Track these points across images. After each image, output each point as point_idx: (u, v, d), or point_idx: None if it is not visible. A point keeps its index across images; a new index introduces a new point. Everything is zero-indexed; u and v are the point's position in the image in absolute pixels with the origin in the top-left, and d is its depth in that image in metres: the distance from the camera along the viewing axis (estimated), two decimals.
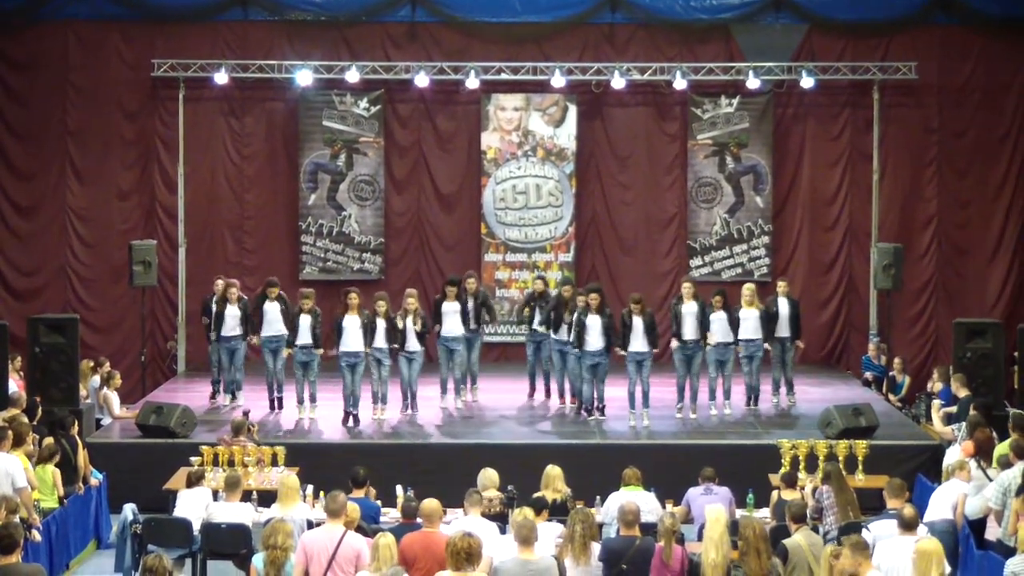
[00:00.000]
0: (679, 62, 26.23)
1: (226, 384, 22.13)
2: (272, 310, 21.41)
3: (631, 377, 20.79)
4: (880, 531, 13.23)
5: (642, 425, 20.68)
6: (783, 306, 21.89)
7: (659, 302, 26.90)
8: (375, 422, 20.94)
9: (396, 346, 20.98)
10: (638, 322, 20.72)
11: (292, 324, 21.04)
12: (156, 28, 26.42)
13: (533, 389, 22.96)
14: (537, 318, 22.08)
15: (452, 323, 21.82)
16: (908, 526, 12.89)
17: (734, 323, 21.25)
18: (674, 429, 20.76)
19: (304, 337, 20.97)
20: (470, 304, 21.92)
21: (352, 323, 20.65)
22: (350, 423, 20.72)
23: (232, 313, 21.74)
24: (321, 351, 21.12)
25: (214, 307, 21.98)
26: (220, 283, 22.17)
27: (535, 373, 22.89)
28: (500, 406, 22.42)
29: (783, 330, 21.84)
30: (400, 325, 20.89)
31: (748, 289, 21.75)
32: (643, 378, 20.71)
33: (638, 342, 20.74)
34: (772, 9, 26.55)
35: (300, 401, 21.21)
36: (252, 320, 21.75)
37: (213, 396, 22.42)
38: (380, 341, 20.72)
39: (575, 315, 20.88)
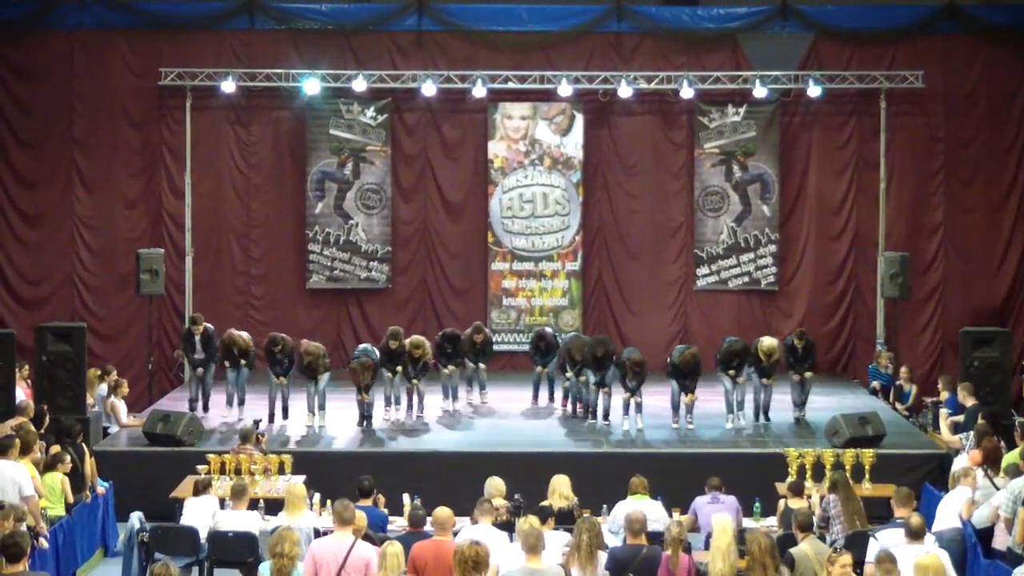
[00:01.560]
0: (686, 71, 26.23)
1: (227, 396, 21.89)
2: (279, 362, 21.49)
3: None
4: (887, 540, 13.20)
5: (635, 428, 20.89)
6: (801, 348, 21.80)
7: (665, 310, 26.96)
8: (387, 423, 21.35)
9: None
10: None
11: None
12: (162, 36, 26.45)
13: (536, 396, 23.18)
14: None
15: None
16: (915, 535, 12.90)
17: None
18: (680, 438, 20.76)
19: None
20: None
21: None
22: (364, 424, 21.04)
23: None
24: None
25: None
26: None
27: (539, 381, 23.10)
28: (507, 414, 22.47)
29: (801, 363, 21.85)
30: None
31: (769, 347, 21.25)
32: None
33: None
34: (779, 18, 26.54)
35: (310, 410, 21.23)
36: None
37: (191, 410, 22.18)
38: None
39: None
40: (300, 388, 21.40)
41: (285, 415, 21.46)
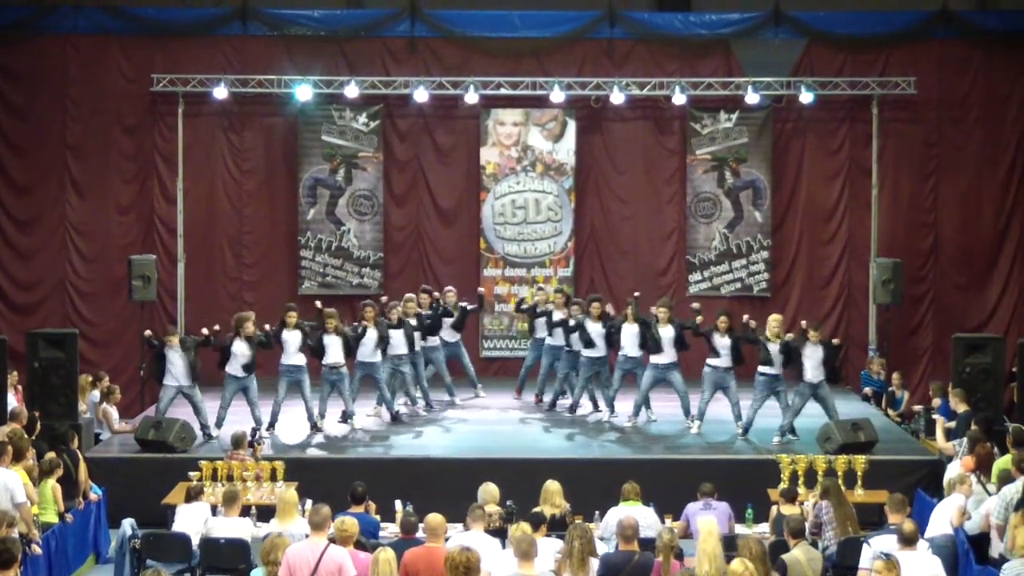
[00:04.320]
0: (678, 77, 26.24)
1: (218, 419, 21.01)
2: (292, 340, 20.98)
3: (614, 384, 22.12)
4: (880, 546, 13.20)
5: (606, 417, 22.07)
6: (813, 351, 20.42)
7: None
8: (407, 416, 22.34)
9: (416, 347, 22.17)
10: (630, 328, 21.67)
11: (318, 345, 21.04)
12: (155, 43, 26.42)
13: (521, 391, 24.01)
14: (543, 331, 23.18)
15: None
16: (908, 541, 12.90)
17: (735, 347, 21.00)
18: (673, 444, 20.79)
19: (335, 356, 21.10)
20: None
21: (371, 336, 21.40)
22: (387, 417, 21.99)
23: (243, 350, 20.75)
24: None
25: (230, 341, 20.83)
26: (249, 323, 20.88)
27: (526, 377, 23.93)
28: (500, 420, 22.50)
29: (813, 372, 20.45)
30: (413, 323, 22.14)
31: (775, 321, 20.78)
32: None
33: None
34: (771, 24, 26.53)
35: (321, 416, 21.38)
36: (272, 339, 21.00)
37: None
38: (400, 348, 21.74)
39: (578, 322, 22.09)
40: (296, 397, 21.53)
41: (273, 426, 21.11)
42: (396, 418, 22.00)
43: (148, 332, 21.49)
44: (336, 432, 21.17)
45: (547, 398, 23.20)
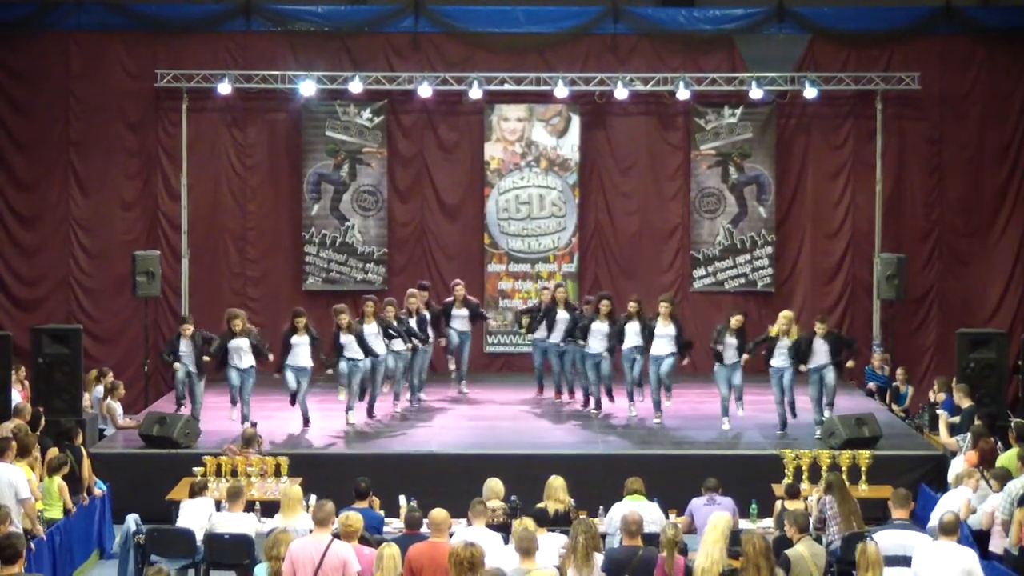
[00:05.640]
0: (682, 72, 26.22)
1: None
2: (301, 343, 20.94)
3: (626, 377, 21.96)
4: (884, 541, 13.13)
5: (633, 415, 21.91)
6: (820, 343, 20.72)
7: None
8: (384, 416, 22.03)
9: (412, 344, 22.12)
10: (632, 325, 21.68)
11: (333, 344, 21.19)
12: (159, 39, 26.43)
13: (541, 389, 23.77)
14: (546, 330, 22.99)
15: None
16: (948, 531, 12.81)
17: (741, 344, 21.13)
18: (677, 439, 20.79)
19: (353, 351, 21.19)
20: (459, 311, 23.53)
21: (370, 330, 21.40)
22: (368, 417, 21.72)
23: (240, 345, 20.78)
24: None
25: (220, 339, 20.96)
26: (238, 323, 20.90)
27: (543, 376, 23.65)
28: (504, 416, 22.49)
29: (820, 359, 20.78)
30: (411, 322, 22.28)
31: (785, 317, 20.94)
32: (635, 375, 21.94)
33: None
34: (775, 20, 26.53)
35: (349, 408, 21.45)
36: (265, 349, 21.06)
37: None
38: (396, 344, 21.82)
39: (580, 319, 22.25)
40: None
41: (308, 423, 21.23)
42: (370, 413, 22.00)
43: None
44: (340, 428, 21.17)
45: (565, 395, 23.24)
